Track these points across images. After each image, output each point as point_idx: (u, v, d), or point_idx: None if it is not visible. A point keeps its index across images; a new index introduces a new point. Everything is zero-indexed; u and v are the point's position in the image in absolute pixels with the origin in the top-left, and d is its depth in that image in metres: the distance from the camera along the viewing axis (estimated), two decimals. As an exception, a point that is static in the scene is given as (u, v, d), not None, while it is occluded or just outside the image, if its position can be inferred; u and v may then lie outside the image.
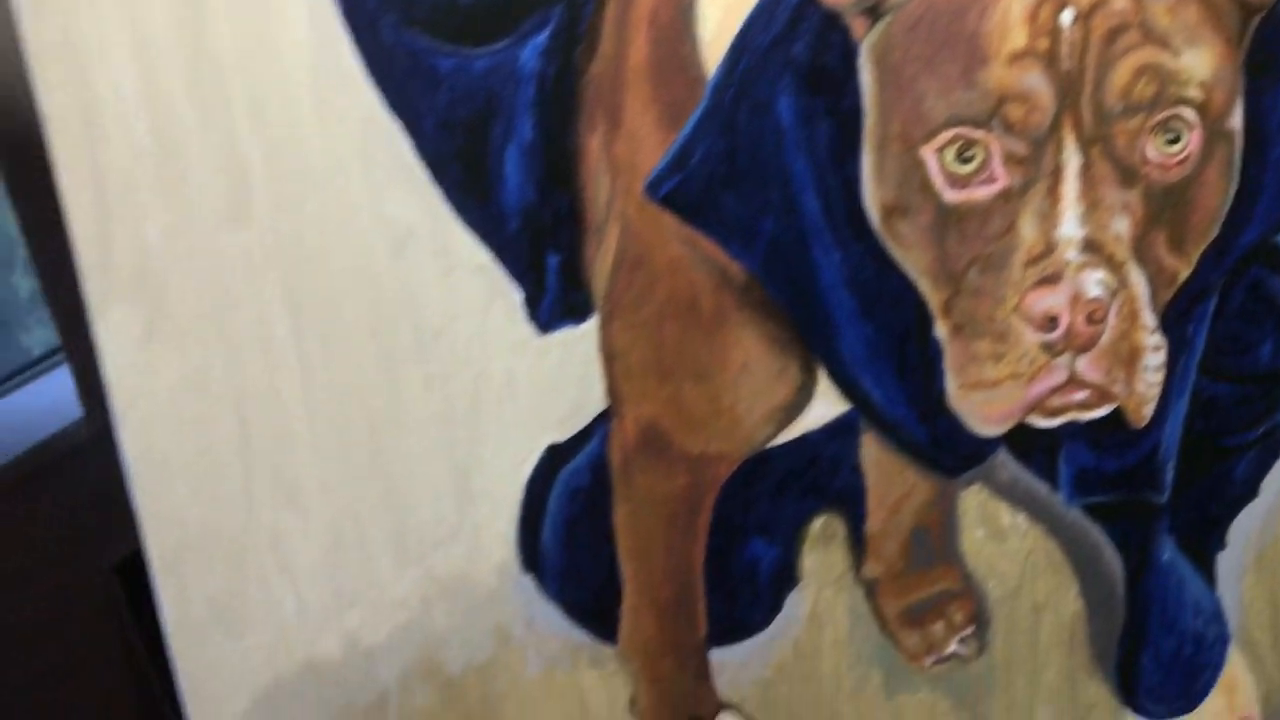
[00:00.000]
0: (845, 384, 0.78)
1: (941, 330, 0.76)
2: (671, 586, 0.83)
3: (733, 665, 0.85)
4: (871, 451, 0.82)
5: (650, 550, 0.82)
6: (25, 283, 1.80)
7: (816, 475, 0.82)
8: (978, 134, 0.71)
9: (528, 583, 0.82)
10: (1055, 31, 0.70)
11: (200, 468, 0.76)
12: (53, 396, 1.78)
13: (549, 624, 0.83)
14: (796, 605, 0.84)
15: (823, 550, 0.84)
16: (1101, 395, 0.75)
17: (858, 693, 0.86)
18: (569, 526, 0.81)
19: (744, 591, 0.84)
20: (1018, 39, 0.70)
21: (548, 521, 0.81)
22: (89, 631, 1.85)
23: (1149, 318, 0.74)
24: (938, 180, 0.73)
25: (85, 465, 1.75)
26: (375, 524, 0.79)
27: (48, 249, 1.58)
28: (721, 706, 0.86)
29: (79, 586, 1.84)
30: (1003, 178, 0.73)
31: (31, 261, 1.55)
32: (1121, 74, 0.71)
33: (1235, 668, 0.95)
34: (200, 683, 0.81)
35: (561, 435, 0.79)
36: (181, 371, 0.74)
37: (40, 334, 1.80)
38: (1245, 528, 0.93)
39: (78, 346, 1.63)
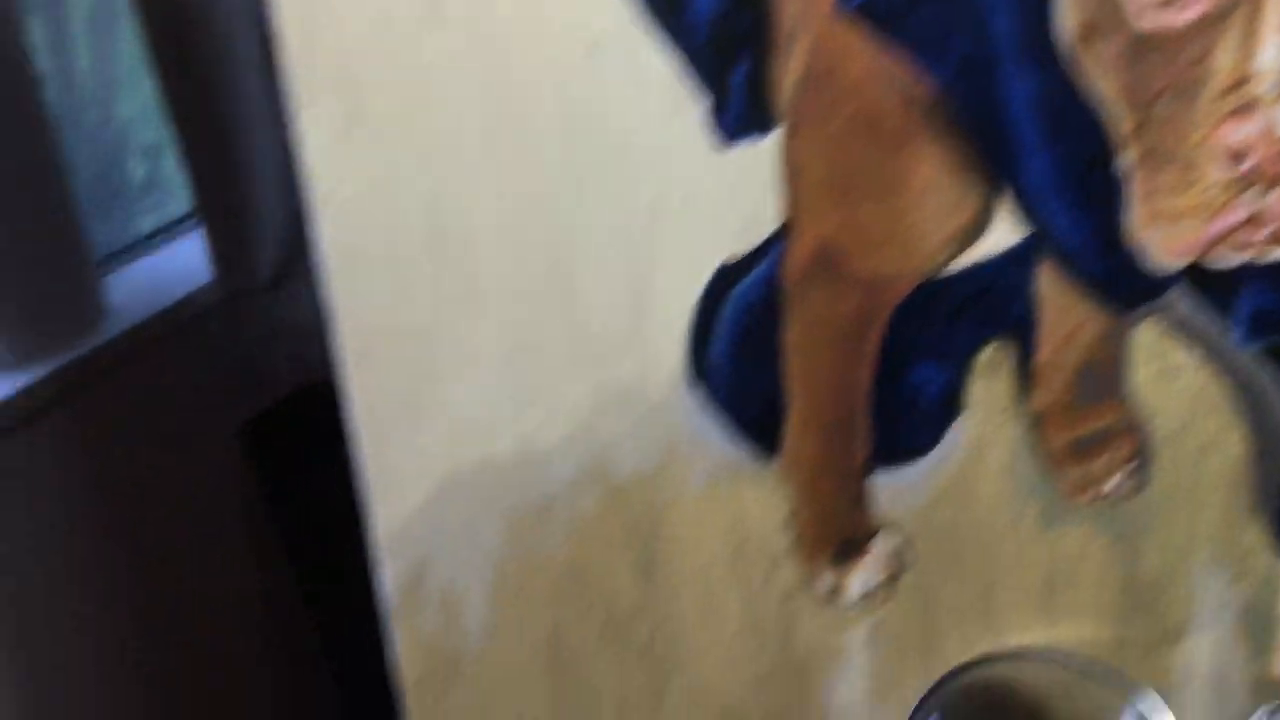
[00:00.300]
0: (1027, 211, 0.78)
1: (1128, 160, 0.76)
2: (837, 408, 0.84)
3: (892, 489, 0.86)
4: (1047, 281, 0.81)
5: (818, 371, 0.83)
6: (140, 168, 1.86)
7: (989, 303, 0.82)
8: (1181, -46, 0.70)
9: (696, 396, 0.84)
10: None
11: (391, 263, 0.79)
12: (182, 262, 1.84)
13: (714, 438, 0.85)
14: (960, 433, 0.85)
15: (989, 379, 0.84)
16: (1287, 234, 0.74)
17: (1015, 523, 0.87)
18: (738, 343, 0.82)
19: (909, 417, 0.85)
20: None
21: (718, 336, 0.82)
22: (211, 495, 1.93)
23: (1345, 156, 0.73)
24: (1133, 3, 0.72)
25: (213, 330, 1.81)
26: (553, 330, 0.82)
27: (187, 112, 1.62)
28: (878, 529, 0.87)
29: (202, 449, 1.92)
30: (1202, 2, 0.71)
31: (172, 122, 1.59)
32: (1339, -106, 0.68)
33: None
34: (383, 475, 0.85)
35: (737, 250, 0.80)
36: (377, 167, 0.76)
37: (150, 220, 1.86)
38: None
39: (214, 208, 1.69)
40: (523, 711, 0.91)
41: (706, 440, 0.85)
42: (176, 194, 1.85)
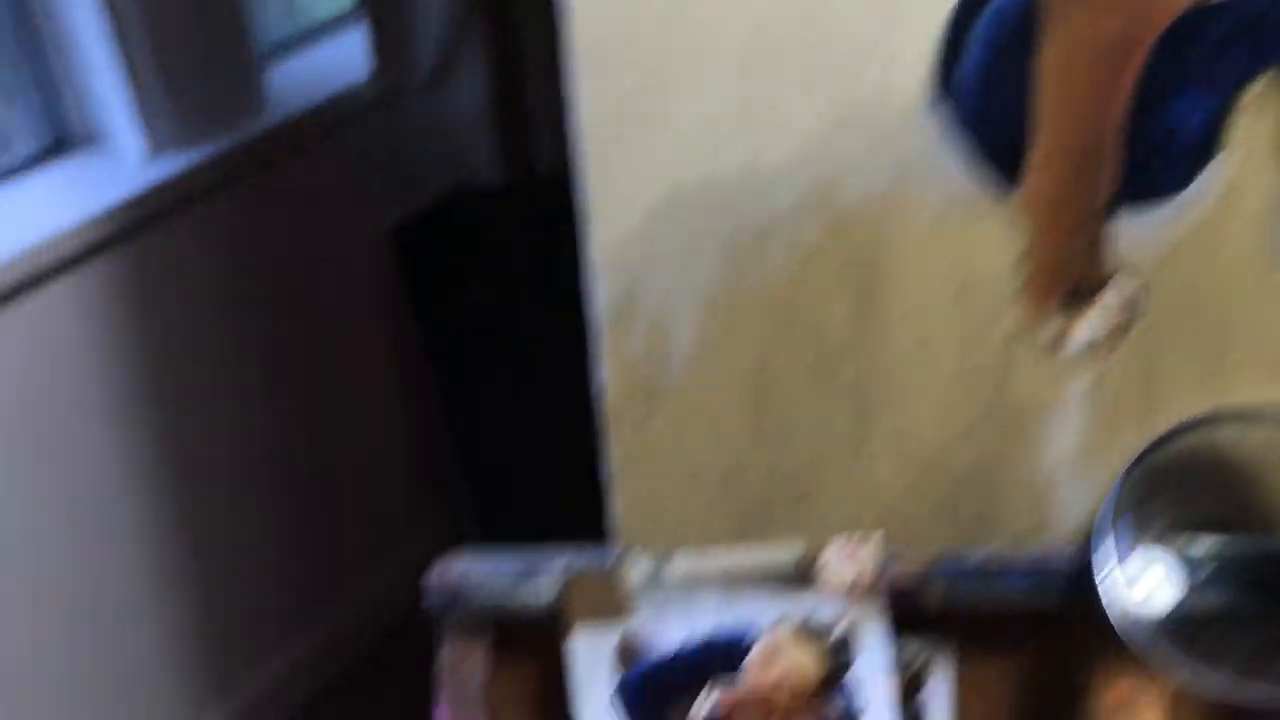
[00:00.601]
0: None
1: None
2: (1088, 136, 0.79)
3: (1134, 232, 0.82)
4: (1334, 7, 0.75)
5: (1072, 95, 0.78)
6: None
7: (1265, 30, 0.76)
8: None
9: (936, 119, 0.80)
10: None
11: (631, -44, 0.76)
12: (343, 57, 1.82)
13: (949, 167, 0.81)
14: (1215, 175, 0.80)
15: (1255, 117, 0.78)
16: None
17: (1261, 278, 0.82)
18: (989, 62, 0.78)
19: (1163, 153, 0.80)
20: None
21: (968, 54, 0.78)
22: (358, 291, 1.95)
23: None
24: None
25: (369, 126, 1.81)
26: (792, 38, 0.78)
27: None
28: (1113, 274, 0.84)
29: (353, 246, 1.93)
30: None
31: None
32: None
33: None
34: (603, 190, 0.83)
35: (999, -42, 0.75)
36: None
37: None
38: None
39: (377, 2, 1.66)
40: (722, 440, 0.91)
41: (941, 169, 0.82)
42: (312, 9, 1.85)
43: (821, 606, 0.89)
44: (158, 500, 1.76)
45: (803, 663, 0.89)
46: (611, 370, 0.89)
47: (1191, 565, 0.86)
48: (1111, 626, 0.86)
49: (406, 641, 2.06)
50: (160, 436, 1.74)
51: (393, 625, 2.09)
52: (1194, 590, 0.86)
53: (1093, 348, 0.86)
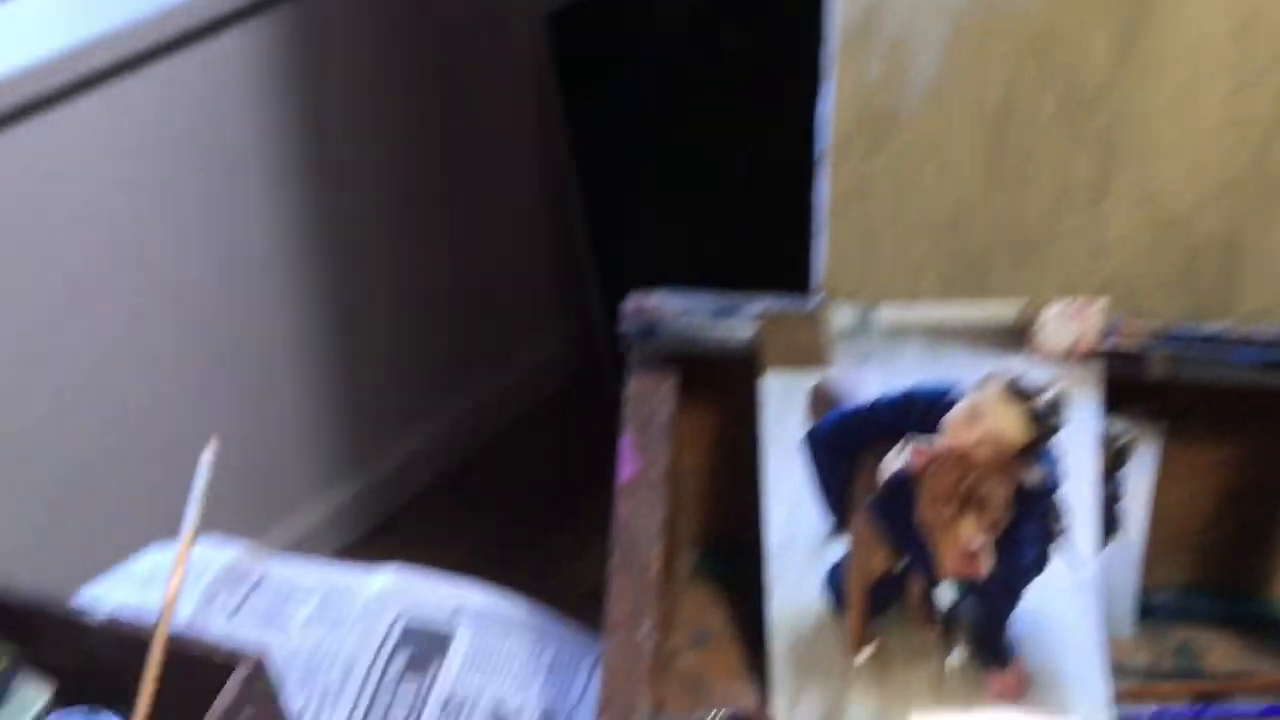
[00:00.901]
0: None
1: None
2: None
3: None
4: None
5: None
6: None
7: None
8: None
9: None
10: None
11: None
12: None
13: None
14: None
15: None
16: None
17: None
18: None
19: None
20: None
21: None
22: (511, 74, 1.92)
23: None
24: None
25: None
26: None
27: None
28: None
29: (511, 28, 1.89)
30: None
31: None
32: None
33: None
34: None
35: None
36: None
37: None
38: None
39: None
40: (950, 181, 0.85)
41: None
42: None
43: (1034, 369, 0.85)
44: (306, 260, 1.75)
45: (1007, 424, 0.85)
46: (842, 95, 0.83)
47: None
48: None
49: (536, 427, 2.09)
50: (311, 199, 1.73)
51: (523, 412, 2.10)
52: None
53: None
